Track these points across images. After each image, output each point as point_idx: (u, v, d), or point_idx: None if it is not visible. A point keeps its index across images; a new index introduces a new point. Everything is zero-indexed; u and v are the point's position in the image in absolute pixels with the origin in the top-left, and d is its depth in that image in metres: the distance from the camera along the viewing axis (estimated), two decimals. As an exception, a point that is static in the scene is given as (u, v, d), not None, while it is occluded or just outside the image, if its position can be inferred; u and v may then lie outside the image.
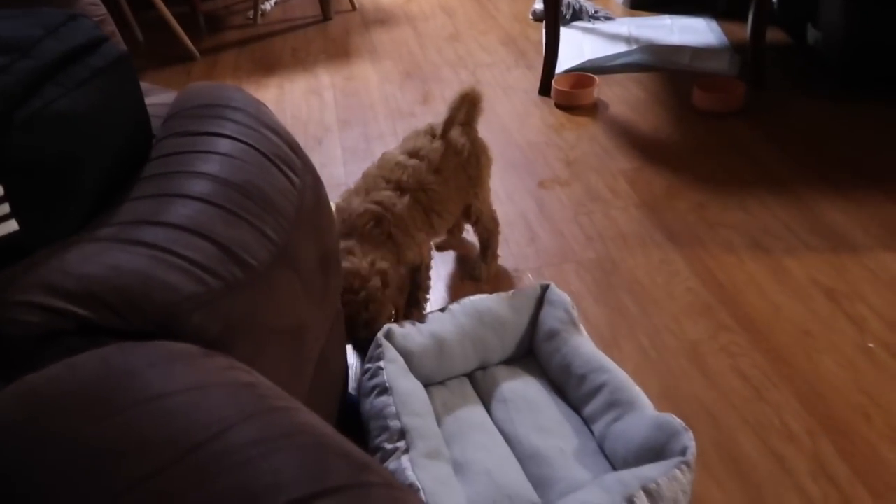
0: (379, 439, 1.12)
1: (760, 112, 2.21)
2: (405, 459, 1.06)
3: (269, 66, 2.93)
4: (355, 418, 1.33)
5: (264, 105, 1.03)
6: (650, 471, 1.00)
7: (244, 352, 0.73)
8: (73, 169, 0.75)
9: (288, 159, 0.94)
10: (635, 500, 0.96)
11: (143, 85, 1.05)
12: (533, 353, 1.37)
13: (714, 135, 2.13)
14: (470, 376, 1.35)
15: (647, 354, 1.43)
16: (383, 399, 1.16)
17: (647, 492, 0.97)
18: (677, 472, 0.99)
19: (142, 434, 0.52)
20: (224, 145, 0.88)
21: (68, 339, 0.64)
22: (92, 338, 0.64)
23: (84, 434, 0.51)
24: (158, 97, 1.09)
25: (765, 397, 1.31)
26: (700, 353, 1.41)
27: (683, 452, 1.02)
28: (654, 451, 1.05)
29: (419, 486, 1.02)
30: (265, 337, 0.78)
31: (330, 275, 1.00)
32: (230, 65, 2.98)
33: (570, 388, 1.26)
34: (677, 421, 1.06)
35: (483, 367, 1.35)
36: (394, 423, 1.11)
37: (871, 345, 1.39)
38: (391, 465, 1.07)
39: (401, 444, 1.09)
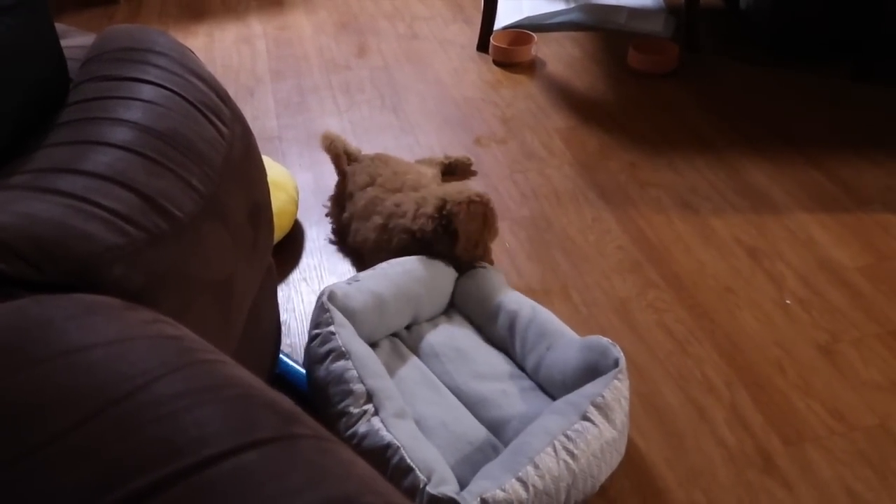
0: (342, 404, 1.10)
1: (692, 75, 2.25)
2: (376, 420, 1.06)
3: (197, 13, 2.81)
4: (290, 382, 1.31)
5: (190, 51, 0.99)
6: (593, 387, 1.08)
7: (170, 305, 0.72)
8: (-20, 111, 0.70)
9: (216, 108, 0.91)
10: (589, 415, 1.04)
11: (60, 26, 0.99)
12: (455, 303, 1.39)
13: (647, 96, 2.16)
14: (397, 335, 1.35)
15: (578, 310, 1.46)
16: (342, 363, 1.14)
17: (597, 405, 1.05)
18: (616, 381, 1.08)
19: (60, 387, 0.50)
20: (147, 91, 0.85)
21: (-22, 291, 0.61)
22: (4, 290, 0.61)
23: (-4, 387, 0.49)
24: (76, 39, 1.03)
25: (687, 351, 1.36)
26: (628, 309, 1.45)
27: (616, 364, 1.10)
28: (590, 369, 1.12)
29: (398, 444, 1.02)
30: (192, 290, 0.76)
31: (260, 227, 0.97)
32: (155, 10, 2.84)
33: (496, 328, 1.30)
34: (604, 339, 1.14)
35: (409, 326, 1.36)
36: (358, 387, 1.10)
37: (787, 301, 1.45)
38: (362, 427, 1.06)
39: (368, 407, 1.08)
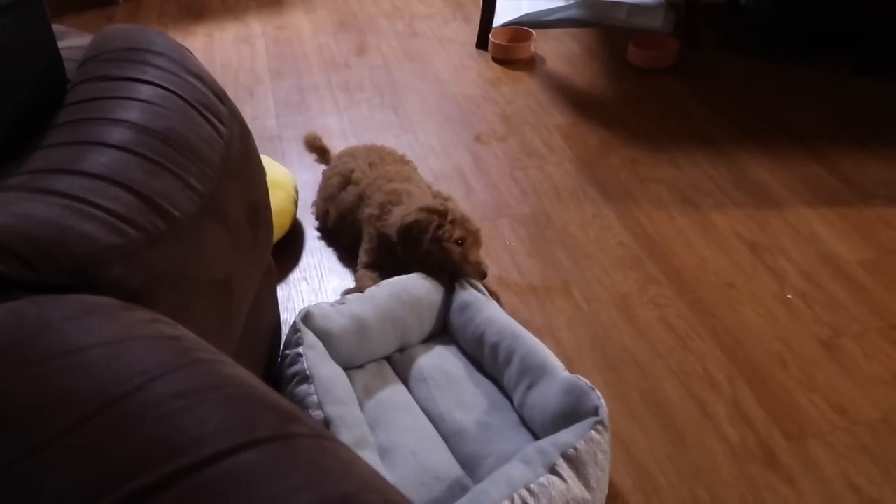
0: None
1: (693, 69, 2.24)
2: None
3: (196, 13, 2.81)
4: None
5: (188, 51, 0.99)
6: (567, 436, 1.00)
7: (169, 305, 0.71)
8: (-23, 112, 0.70)
9: (214, 107, 0.91)
10: (557, 468, 0.97)
11: (58, 27, 0.99)
12: (448, 329, 1.36)
13: (647, 91, 2.15)
14: (388, 358, 1.32)
15: (580, 307, 1.46)
16: (304, 388, 1.11)
17: (567, 458, 0.98)
18: (593, 433, 1.00)
19: (59, 387, 0.50)
20: (145, 91, 0.84)
21: (-24, 293, 0.61)
22: (1, 291, 0.61)
23: (-6, 389, 0.49)
24: (74, 40, 1.03)
25: (689, 346, 1.36)
26: (629, 305, 1.45)
27: (596, 412, 1.02)
28: (568, 415, 1.05)
29: None
30: (191, 289, 0.76)
31: (259, 226, 0.97)
32: (154, 10, 2.84)
33: (485, 359, 1.26)
34: (584, 381, 1.07)
35: (401, 349, 1.32)
36: (316, 413, 1.07)
37: (789, 296, 1.45)
38: None
39: None
